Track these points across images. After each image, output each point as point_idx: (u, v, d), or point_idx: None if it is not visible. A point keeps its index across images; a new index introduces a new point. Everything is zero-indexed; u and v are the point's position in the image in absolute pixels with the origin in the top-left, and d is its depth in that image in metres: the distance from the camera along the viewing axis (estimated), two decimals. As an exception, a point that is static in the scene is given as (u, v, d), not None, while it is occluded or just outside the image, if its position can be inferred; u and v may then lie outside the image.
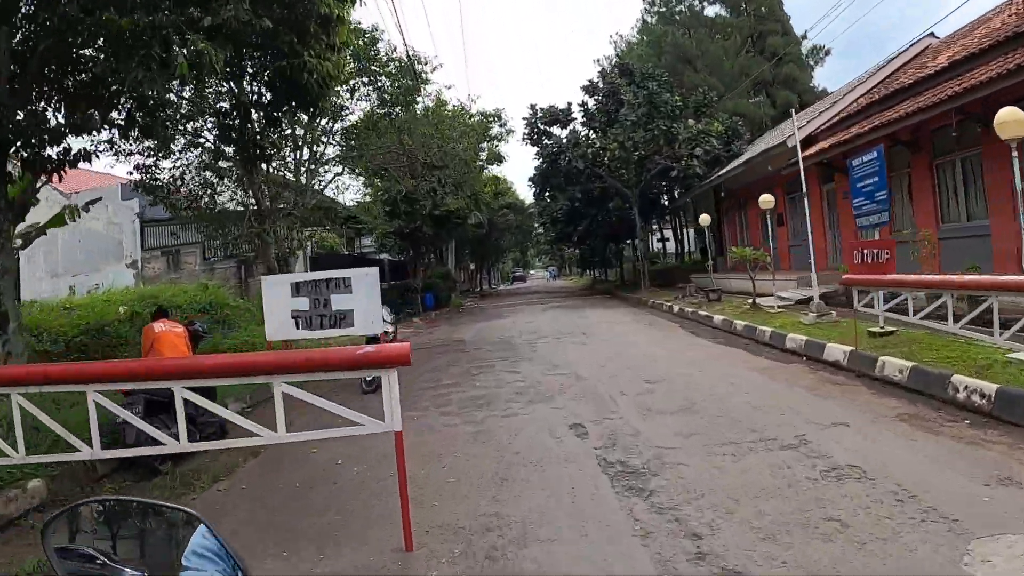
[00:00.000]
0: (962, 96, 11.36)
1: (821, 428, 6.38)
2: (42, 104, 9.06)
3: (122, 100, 9.62)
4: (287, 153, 14.95)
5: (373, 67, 14.98)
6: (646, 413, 7.39)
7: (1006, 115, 8.15)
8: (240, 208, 14.04)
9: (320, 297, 6.91)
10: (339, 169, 16.20)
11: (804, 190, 13.72)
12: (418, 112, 17.22)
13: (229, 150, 11.12)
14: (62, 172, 9.06)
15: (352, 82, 15.03)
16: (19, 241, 8.40)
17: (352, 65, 14.73)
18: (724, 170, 27.02)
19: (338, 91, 14.60)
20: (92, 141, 13.57)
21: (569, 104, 32.10)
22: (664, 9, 42.49)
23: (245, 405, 10.01)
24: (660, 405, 7.72)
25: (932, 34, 21.72)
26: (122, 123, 10.16)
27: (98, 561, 1.56)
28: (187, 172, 13.26)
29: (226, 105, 9.50)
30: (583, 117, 31.88)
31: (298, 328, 7.14)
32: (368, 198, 29.02)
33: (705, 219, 21.11)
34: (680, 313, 19.26)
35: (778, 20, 41.62)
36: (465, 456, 6.36)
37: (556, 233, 42.53)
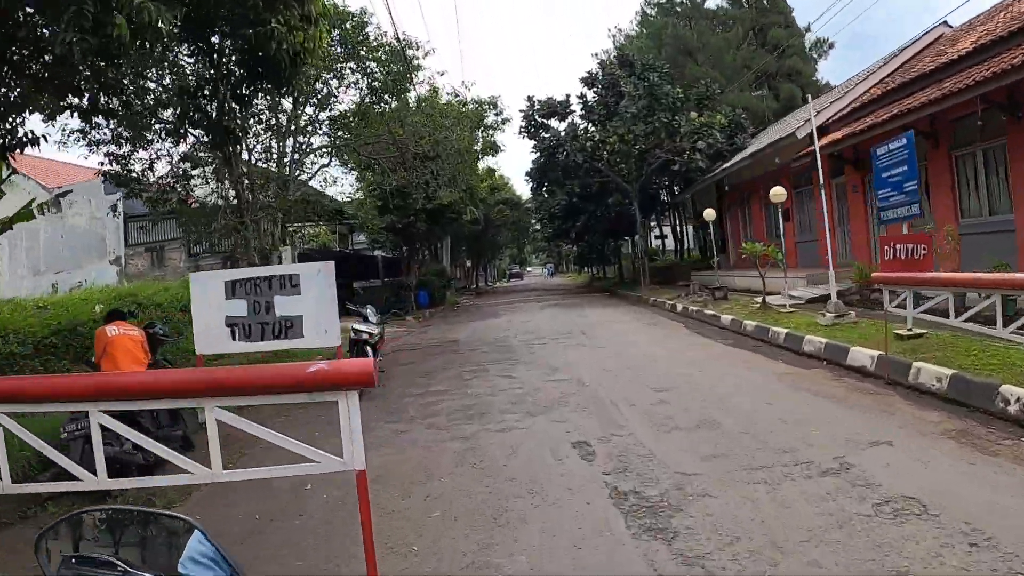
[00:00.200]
0: (1002, 77, 10.54)
1: (861, 448, 5.56)
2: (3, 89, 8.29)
3: (83, 83, 8.82)
4: (271, 143, 14.07)
5: (361, 52, 14.08)
6: (659, 428, 6.52)
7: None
8: (220, 201, 13.13)
9: (261, 300, 5.40)
10: (325, 160, 15.26)
11: (822, 181, 12.84)
12: (410, 101, 16.27)
13: (197, 133, 10.17)
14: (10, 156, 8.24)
15: (338, 66, 14.12)
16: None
17: (337, 48, 13.86)
18: (728, 163, 26.14)
19: (321, 75, 13.73)
20: (63, 129, 12.83)
21: (567, 96, 31.22)
22: (664, 0, 41.59)
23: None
24: (674, 418, 6.86)
25: (945, 23, 20.91)
26: (86, 107, 9.32)
27: (116, 568, 1.55)
28: (158, 161, 12.40)
29: (193, 80, 8.60)
30: (582, 110, 30.96)
31: (234, 339, 5.32)
32: (360, 193, 28.15)
33: (710, 214, 20.27)
34: (684, 312, 18.40)
35: (780, 12, 40.69)
36: (453, 482, 5.49)
37: (554, 229, 41.59)
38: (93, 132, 12.27)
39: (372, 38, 14.78)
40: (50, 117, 10.41)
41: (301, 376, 3.17)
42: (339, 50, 14.05)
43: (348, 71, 14.63)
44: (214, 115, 7.45)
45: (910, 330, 9.47)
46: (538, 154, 31.56)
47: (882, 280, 8.90)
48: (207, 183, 13.29)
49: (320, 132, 15.49)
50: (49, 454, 3.73)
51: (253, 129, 13.33)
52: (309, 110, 14.83)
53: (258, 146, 14.35)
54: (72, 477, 3.89)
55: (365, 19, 14.55)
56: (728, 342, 12.60)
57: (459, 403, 8.52)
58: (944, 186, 14.53)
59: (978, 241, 13.41)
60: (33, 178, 26.39)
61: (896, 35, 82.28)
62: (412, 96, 16.63)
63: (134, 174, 12.48)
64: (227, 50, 7.09)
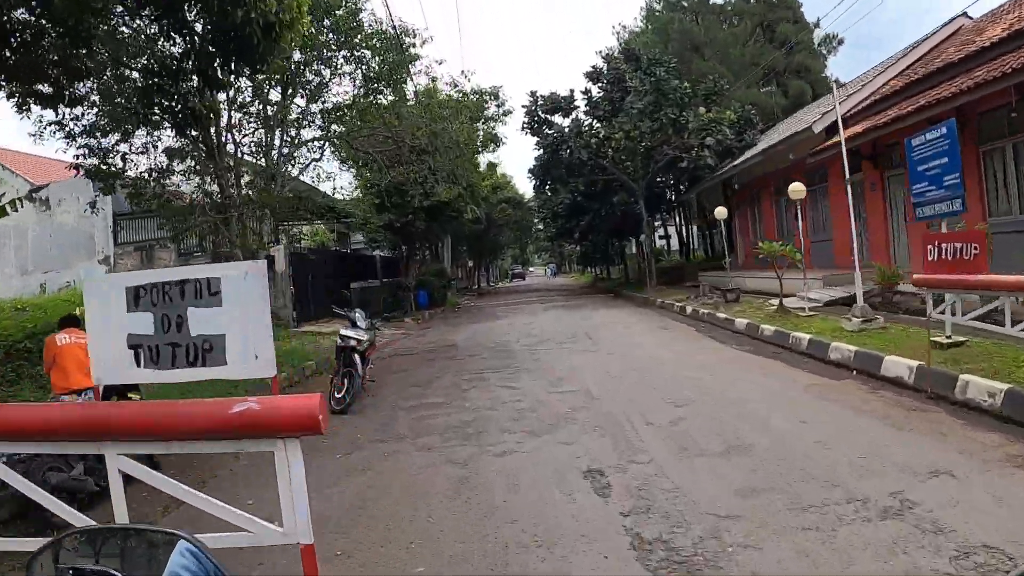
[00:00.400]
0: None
1: (920, 479, 4.74)
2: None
3: (49, 69, 8.04)
4: (264, 137, 13.23)
5: (355, 40, 13.24)
6: (682, 453, 5.68)
7: None
8: (204, 196, 12.31)
9: (171, 312, 3.46)
10: (317, 155, 14.42)
11: (847, 175, 11.99)
12: (408, 92, 15.41)
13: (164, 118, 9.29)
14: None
15: (328, 54, 13.28)
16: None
17: (329, 36, 13.03)
18: (739, 160, 25.26)
19: (312, 62, 12.90)
20: (38, 121, 12.01)
21: (571, 91, 30.28)
22: (671, -6, 40.74)
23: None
24: (699, 440, 6.01)
25: (965, 14, 20.06)
26: (49, 93, 8.51)
27: None
28: (143, 155, 11.57)
29: (157, 60, 7.77)
30: (586, 105, 30.05)
31: (139, 364, 3.65)
32: (359, 192, 27.33)
33: (721, 212, 19.40)
34: (694, 315, 17.54)
35: (789, 7, 39.80)
36: (440, 524, 4.64)
37: (557, 228, 40.63)
38: (71, 124, 11.51)
39: (367, 25, 13.94)
40: (20, 107, 9.64)
41: (222, 418, 2.32)
42: (331, 37, 13.22)
43: (341, 60, 13.79)
44: (178, 96, 6.66)
45: (949, 337, 8.65)
46: (541, 151, 30.64)
47: (927, 283, 8.04)
48: (187, 177, 12.43)
49: (313, 125, 14.64)
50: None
51: (235, 118, 12.51)
52: (301, 102, 14.00)
53: (248, 140, 13.52)
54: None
55: (359, 5, 13.76)
56: (745, 348, 11.76)
57: (455, 419, 7.68)
58: (971, 183, 13.67)
59: (1008, 241, 12.58)
60: (21, 174, 25.69)
61: (897, 36, 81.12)
62: (409, 87, 15.76)
63: (113, 168, 11.66)
64: (191, 21, 6.30)
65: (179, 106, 6.61)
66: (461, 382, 10.14)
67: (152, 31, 7.24)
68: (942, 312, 8.26)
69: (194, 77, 6.49)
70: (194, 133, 11.84)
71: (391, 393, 9.84)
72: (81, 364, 6.34)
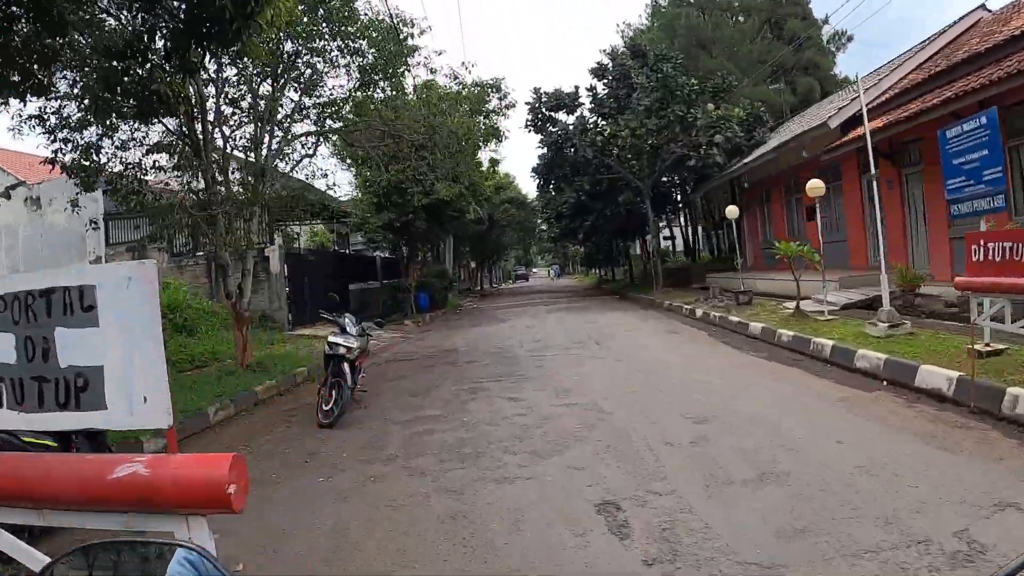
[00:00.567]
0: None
1: (984, 513, 4.07)
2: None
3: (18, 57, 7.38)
4: (256, 132, 12.53)
5: (349, 30, 12.55)
6: (709, 482, 4.97)
7: None
8: (190, 193, 11.60)
9: (36, 334, 2.34)
10: (310, 151, 13.69)
11: (873, 170, 11.27)
12: (406, 87, 14.69)
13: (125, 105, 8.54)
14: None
15: (320, 44, 12.58)
16: None
17: (322, 26, 12.33)
18: (749, 158, 24.53)
19: (300, 51, 12.20)
20: (18, 115, 11.33)
21: (576, 88, 29.57)
22: (677, -11, 39.94)
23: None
24: (726, 465, 5.31)
25: (983, 6, 19.34)
26: (16, 81, 7.84)
27: None
28: (113, 147, 10.84)
29: (121, 39, 7.06)
30: (591, 103, 29.35)
31: (1, 404, 2.67)
32: (358, 192, 26.66)
33: (733, 211, 18.69)
34: (705, 318, 16.83)
35: (797, 3, 39.00)
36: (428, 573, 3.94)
37: (561, 229, 39.83)
38: (51, 117, 10.84)
39: (362, 14, 13.25)
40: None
41: (98, 484, 1.63)
42: (325, 28, 12.54)
43: (335, 51, 13.09)
44: (141, 78, 5.98)
45: (988, 345, 7.95)
46: (545, 149, 29.97)
47: (972, 286, 7.33)
48: (167, 172, 11.71)
49: (307, 119, 13.95)
50: None
51: (225, 111, 11.82)
52: (294, 95, 13.29)
53: (238, 135, 12.81)
54: None
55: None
56: (762, 354, 11.06)
57: (452, 436, 6.97)
58: (1001, 179, 13.00)
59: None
60: (11, 172, 25.05)
61: (904, 35, 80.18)
62: (408, 81, 15.05)
63: (93, 163, 10.98)
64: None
65: (144, 90, 5.95)
66: (461, 392, 9.44)
67: (124, 14, 6.59)
68: (985, 318, 7.52)
69: (163, 59, 5.83)
70: (171, 124, 11.19)
71: (385, 404, 9.15)
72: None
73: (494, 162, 30.64)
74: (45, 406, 2.13)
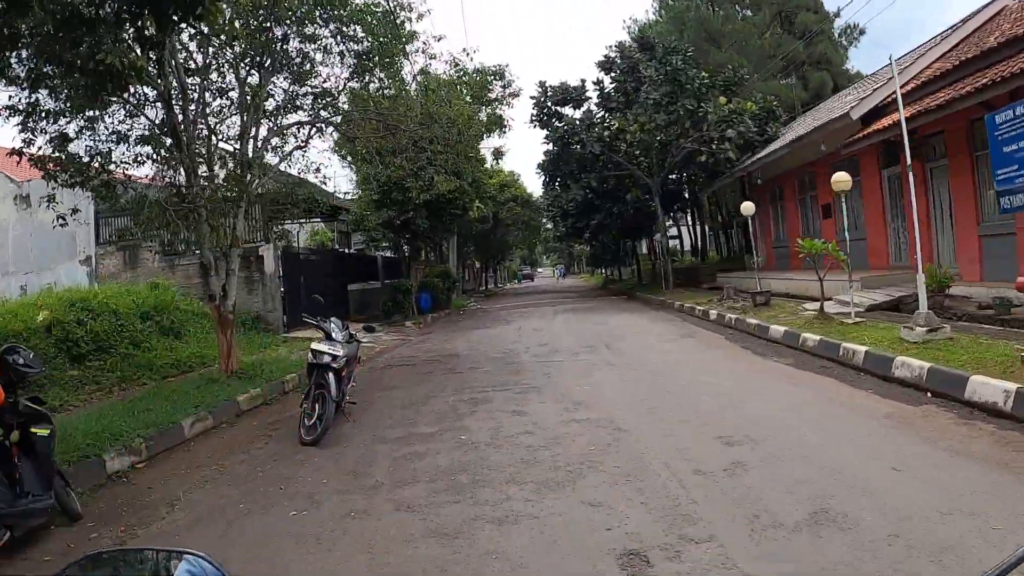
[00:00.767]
0: None
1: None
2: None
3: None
4: (232, 116, 11.72)
5: (343, 13, 11.70)
6: (753, 525, 4.10)
7: None
8: (170, 187, 10.76)
9: None
10: (301, 142, 12.81)
11: (908, 161, 10.36)
12: (404, 75, 13.79)
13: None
14: None
15: (311, 29, 11.72)
16: None
17: (315, 11, 11.49)
18: (763, 153, 23.63)
19: (288, 36, 11.37)
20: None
21: (583, 81, 28.72)
22: (687, -18, 39.00)
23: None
24: (771, 502, 4.44)
25: (1008, -6, 18.40)
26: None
27: None
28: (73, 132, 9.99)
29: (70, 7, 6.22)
30: (599, 97, 28.48)
31: None
32: (358, 191, 25.84)
33: (748, 207, 17.80)
34: (720, 320, 15.94)
35: (808, -4, 38.14)
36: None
37: (567, 228, 38.88)
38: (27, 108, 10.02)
39: (357, -1, 12.41)
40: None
41: None
42: (318, 13, 11.70)
43: (328, 36, 12.25)
44: (89, 47, 5.17)
45: (1039, 352, 7.11)
46: (551, 145, 29.06)
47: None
48: (141, 163, 10.86)
49: (302, 110, 13.09)
50: None
51: (212, 102, 11.01)
52: (285, 84, 12.44)
53: (224, 126, 11.99)
54: None
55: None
56: (787, 361, 10.20)
57: (448, 459, 6.11)
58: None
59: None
60: (4, 172, 24.28)
61: (902, 37, 79.13)
62: (406, 69, 14.17)
63: (69, 156, 10.17)
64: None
65: (89, 62, 5.14)
66: (460, 404, 8.57)
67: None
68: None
69: (114, 26, 5.01)
70: (155, 115, 10.42)
71: (376, 418, 8.30)
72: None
73: (498, 154, 29.62)
74: None
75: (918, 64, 17.75)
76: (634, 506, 4.55)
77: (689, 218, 45.90)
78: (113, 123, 10.75)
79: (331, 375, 7.43)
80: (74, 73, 5.53)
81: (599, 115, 28.25)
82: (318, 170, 12.95)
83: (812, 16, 36.94)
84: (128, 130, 10.65)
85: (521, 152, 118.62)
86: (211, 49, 10.80)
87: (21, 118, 9.77)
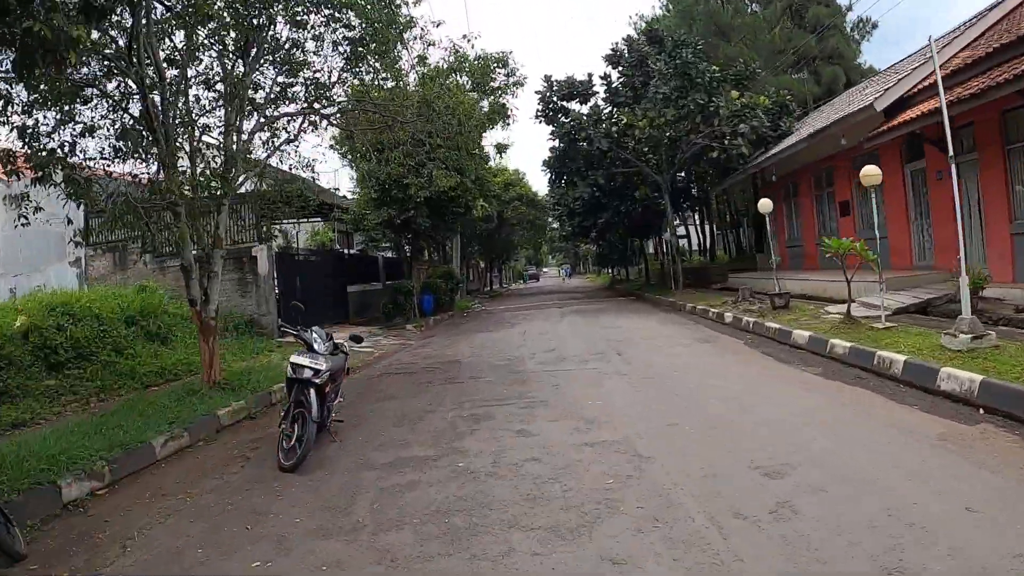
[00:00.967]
0: None
1: None
2: None
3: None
4: (216, 109, 10.92)
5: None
6: (819, 595, 3.29)
7: None
8: (149, 183, 9.96)
9: None
10: (291, 135, 11.97)
11: (951, 151, 9.48)
12: (401, 65, 12.92)
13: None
14: None
15: (304, 14, 10.92)
16: None
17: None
18: (778, 148, 22.76)
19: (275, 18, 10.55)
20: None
21: (590, 76, 27.79)
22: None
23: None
24: (834, 558, 3.61)
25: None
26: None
27: None
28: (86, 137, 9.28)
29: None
30: (606, 92, 27.60)
31: None
32: (358, 187, 25.04)
33: (766, 204, 16.92)
34: (737, 324, 15.08)
35: (820, -12, 37.21)
36: None
37: (573, 227, 37.97)
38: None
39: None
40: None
41: None
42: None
43: (320, 24, 11.46)
44: (16, 16, 4.39)
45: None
46: (557, 141, 28.18)
47: None
48: (108, 157, 10.04)
49: (295, 102, 12.28)
50: None
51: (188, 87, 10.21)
52: (272, 73, 11.64)
53: (211, 119, 11.20)
54: None
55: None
56: (816, 370, 9.36)
57: (441, 493, 5.27)
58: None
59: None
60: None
61: (907, 36, 77.95)
62: (404, 59, 13.32)
63: (38, 149, 9.39)
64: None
65: (10, 31, 4.36)
66: (459, 421, 7.73)
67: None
68: None
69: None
70: (128, 104, 9.64)
71: (364, 437, 7.47)
72: None
73: (501, 148, 28.69)
74: None
75: (944, 53, 16.85)
76: (664, 565, 3.71)
77: (697, 217, 45.07)
78: (94, 117, 10.04)
79: (312, 392, 6.61)
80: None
81: (606, 110, 27.37)
82: (310, 166, 12.06)
83: (824, 10, 36.08)
84: (100, 120, 9.82)
85: (526, 150, 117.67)
86: (194, 35, 9.99)
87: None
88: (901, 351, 8.89)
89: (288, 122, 12.20)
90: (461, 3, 45.93)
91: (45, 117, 9.39)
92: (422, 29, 13.06)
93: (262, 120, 11.18)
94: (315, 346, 7.09)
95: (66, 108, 9.32)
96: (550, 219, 50.81)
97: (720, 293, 22.98)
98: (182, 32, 9.81)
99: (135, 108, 9.81)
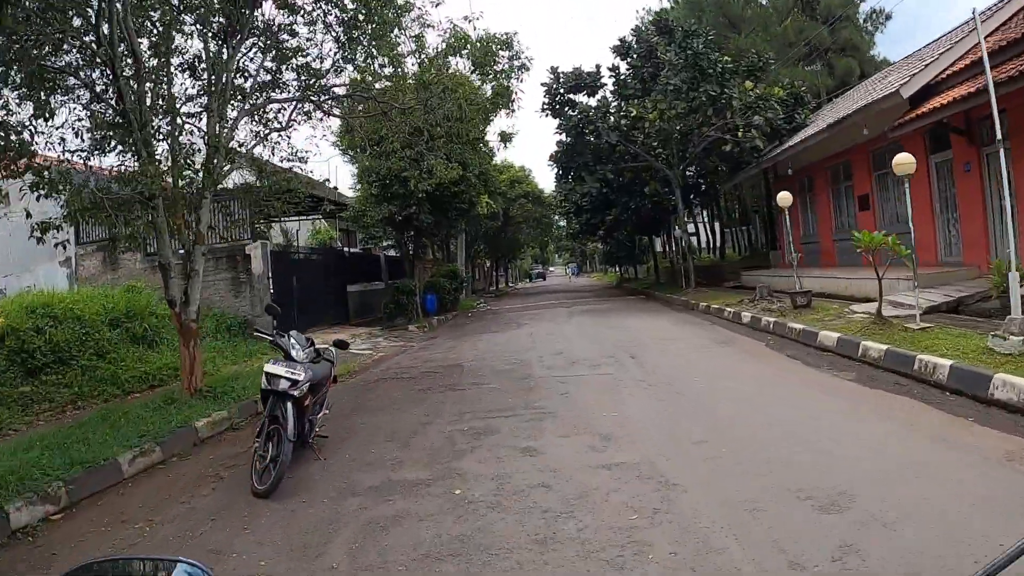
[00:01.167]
0: None
1: None
2: None
3: None
4: (197, 95, 10.16)
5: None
6: None
7: None
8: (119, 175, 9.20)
9: None
10: (280, 123, 11.19)
11: (999, 134, 8.68)
12: (398, 49, 12.07)
13: None
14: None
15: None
16: None
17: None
18: (795, 140, 21.89)
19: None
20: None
21: (597, 67, 26.95)
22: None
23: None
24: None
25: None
26: None
27: None
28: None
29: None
30: (614, 84, 26.75)
31: None
32: (358, 182, 24.23)
33: (786, 197, 16.08)
34: (755, 324, 14.24)
35: (832, -21, 36.29)
36: None
37: (581, 224, 37.05)
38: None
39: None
40: None
41: None
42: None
43: (309, 0, 10.69)
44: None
45: None
46: (563, 135, 27.33)
47: None
48: (99, 152, 9.30)
49: (287, 90, 11.51)
50: None
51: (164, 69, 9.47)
52: (253, 52, 10.85)
53: (192, 106, 10.44)
54: None
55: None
56: (849, 376, 8.53)
57: (433, 529, 4.44)
58: None
59: None
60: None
61: (907, 35, 76.67)
62: (402, 46, 12.48)
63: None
64: None
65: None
66: (457, 436, 6.90)
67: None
68: None
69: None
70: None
71: (352, 453, 6.68)
72: None
73: (505, 137, 27.67)
74: None
75: (971, 37, 15.97)
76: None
77: (705, 215, 44.18)
78: (75, 107, 9.33)
79: (289, 406, 5.80)
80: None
81: (615, 103, 26.53)
82: (301, 159, 11.28)
83: (836, 0, 35.15)
84: (61, 105, 9.10)
85: (532, 147, 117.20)
86: (170, 12, 9.21)
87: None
88: (944, 354, 8.07)
89: (278, 111, 11.45)
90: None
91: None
92: (420, 8, 12.17)
93: (247, 107, 10.39)
94: (293, 353, 6.28)
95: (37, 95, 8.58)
96: (556, 217, 49.99)
97: (733, 291, 22.15)
98: (158, 12, 9.06)
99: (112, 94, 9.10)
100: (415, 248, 24.18)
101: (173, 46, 9.60)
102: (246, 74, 10.79)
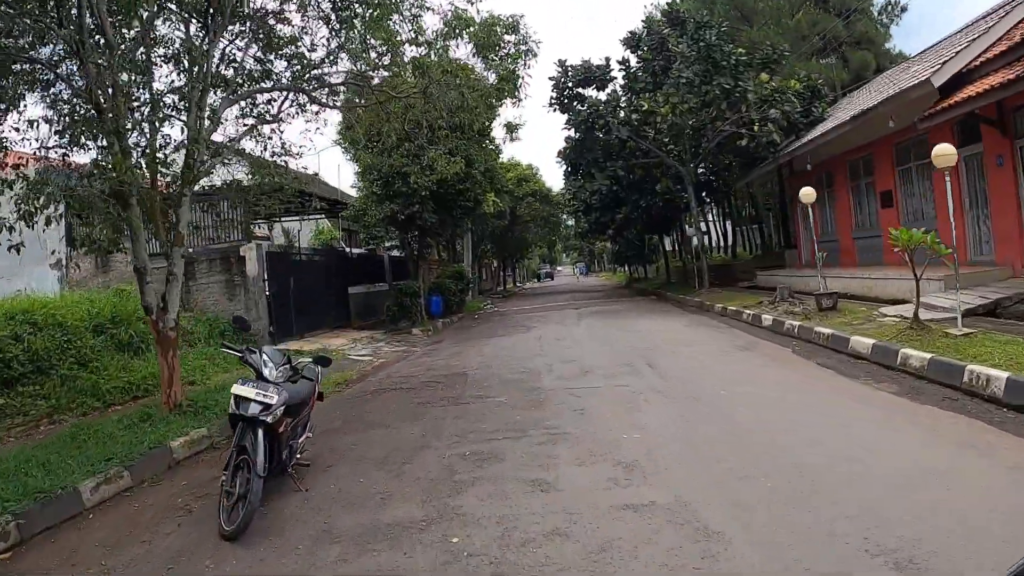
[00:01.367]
0: None
1: None
2: None
3: None
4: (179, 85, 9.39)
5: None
6: None
7: None
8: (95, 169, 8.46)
9: None
10: (270, 116, 10.44)
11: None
12: (399, 37, 11.26)
13: None
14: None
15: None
16: None
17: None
18: (816, 133, 20.99)
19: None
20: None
21: (607, 60, 26.12)
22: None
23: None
24: None
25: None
26: None
27: None
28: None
29: None
30: (624, 77, 25.91)
31: None
32: (361, 183, 23.52)
33: (809, 193, 15.26)
34: (777, 327, 13.39)
35: (846, -30, 35.36)
36: None
37: (590, 223, 36.17)
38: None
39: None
40: None
41: None
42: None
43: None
44: None
45: None
46: (572, 131, 26.49)
47: None
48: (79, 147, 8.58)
49: (280, 82, 10.76)
50: None
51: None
52: (241, 41, 10.10)
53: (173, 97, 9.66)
54: None
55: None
56: (892, 389, 7.69)
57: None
58: None
59: None
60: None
61: (912, 32, 75.58)
62: (402, 36, 11.67)
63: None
64: None
65: None
66: (458, 463, 6.07)
67: None
68: None
69: None
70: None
71: (338, 483, 5.88)
72: None
73: (511, 128, 26.78)
74: None
75: (1005, 23, 15.10)
76: None
77: (716, 212, 43.31)
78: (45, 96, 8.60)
79: (260, 434, 5.01)
80: None
81: (625, 97, 25.70)
82: (289, 153, 10.52)
83: (851, -8, 34.25)
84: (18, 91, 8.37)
85: (538, 145, 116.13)
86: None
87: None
88: (997, 365, 7.24)
89: (268, 102, 10.70)
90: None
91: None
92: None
93: (231, 97, 9.62)
94: (265, 372, 5.48)
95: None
96: (564, 215, 49.20)
97: (749, 292, 21.32)
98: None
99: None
100: (419, 248, 23.41)
101: (150, 33, 8.85)
102: (233, 63, 10.07)
